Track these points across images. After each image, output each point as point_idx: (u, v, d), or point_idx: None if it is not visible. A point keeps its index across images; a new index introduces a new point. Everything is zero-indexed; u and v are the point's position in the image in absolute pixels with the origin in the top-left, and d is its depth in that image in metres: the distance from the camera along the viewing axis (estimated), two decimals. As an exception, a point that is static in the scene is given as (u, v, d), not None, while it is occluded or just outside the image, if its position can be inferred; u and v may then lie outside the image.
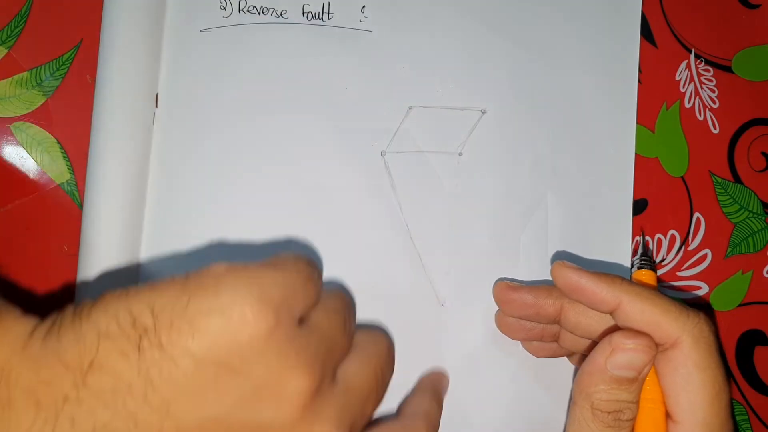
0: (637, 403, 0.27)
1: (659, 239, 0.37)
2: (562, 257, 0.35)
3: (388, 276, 0.33)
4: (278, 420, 0.21)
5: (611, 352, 0.26)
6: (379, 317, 0.33)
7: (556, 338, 0.32)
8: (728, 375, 0.28)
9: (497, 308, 0.33)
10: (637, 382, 0.26)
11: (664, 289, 0.36)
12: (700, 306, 0.36)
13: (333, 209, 0.33)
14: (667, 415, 0.27)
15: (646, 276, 0.30)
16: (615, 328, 0.28)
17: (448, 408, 0.33)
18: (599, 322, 0.29)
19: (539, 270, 0.35)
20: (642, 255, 0.31)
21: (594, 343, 0.29)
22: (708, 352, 0.26)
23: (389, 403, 0.33)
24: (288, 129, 0.33)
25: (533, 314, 0.31)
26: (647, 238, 0.33)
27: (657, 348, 0.26)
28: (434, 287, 0.34)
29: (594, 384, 0.27)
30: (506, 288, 0.32)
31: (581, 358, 0.33)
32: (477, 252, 0.34)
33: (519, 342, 0.34)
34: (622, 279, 0.28)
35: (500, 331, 0.33)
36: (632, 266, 0.32)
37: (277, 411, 0.21)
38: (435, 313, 0.34)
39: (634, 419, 0.27)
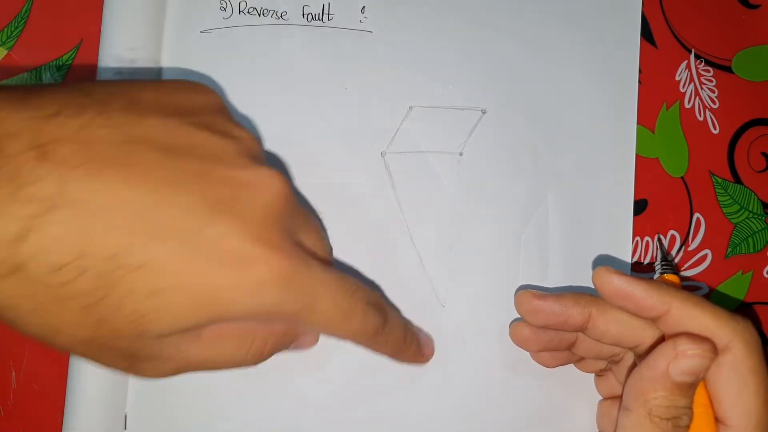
0: (692, 409, 0.26)
1: (659, 239, 0.37)
2: (562, 258, 0.35)
3: (388, 276, 0.33)
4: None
5: (675, 357, 0.26)
6: (379, 318, 0.33)
7: (570, 346, 0.32)
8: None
9: (513, 319, 0.32)
10: (694, 387, 0.26)
11: None
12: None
13: (333, 209, 0.33)
14: (717, 420, 0.27)
15: (671, 279, 0.30)
16: (661, 337, 0.28)
17: (448, 408, 0.33)
18: (632, 330, 0.29)
19: (539, 270, 0.35)
20: (663, 260, 0.31)
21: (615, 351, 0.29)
22: (759, 357, 0.26)
23: (388, 404, 0.33)
24: (288, 129, 0.33)
25: (560, 323, 0.30)
26: (663, 239, 0.33)
27: (717, 353, 0.26)
28: (434, 288, 0.34)
29: (654, 390, 0.26)
30: (532, 297, 0.30)
31: (593, 363, 0.33)
32: (477, 252, 0.34)
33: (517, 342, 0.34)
34: (668, 285, 0.28)
35: (515, 342, 0.32)
36: (654, 272, 0.33)
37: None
38: (435, 314, 0.34)
39: (689, 426, 0.26)
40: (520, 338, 0.31)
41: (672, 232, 0.37)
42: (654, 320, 0.28)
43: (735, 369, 0.26)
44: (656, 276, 0.31)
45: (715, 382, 0.27)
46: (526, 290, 0.31)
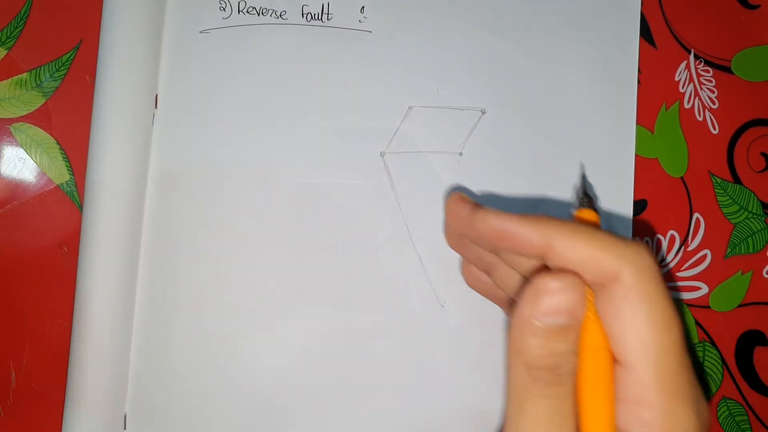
0: (576, 352, 0.23)
1: (659, 240, 0.37)
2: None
3: (388, 276, 0.33)
4: None
5: (535, 298, 0.22)
6: (379, 317, 0.33)
7: (489, 270, 0.29)
8: (679, 307, 0.24)
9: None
10: (572, 329, 0.22)
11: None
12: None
13: (333, 209, 0.33)
14: (615, 362, 0.23)
15: (587, 216, 0.26)
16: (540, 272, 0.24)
17: (448, 408, 0.33)
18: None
19: (539, 270, 0.35)
20: (582, 195, 0.27)
21: None
22: (652, 282, 0.22)
23: (388, 403, 0.33)
24: (288, 129, 0.33)
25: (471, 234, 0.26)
26: (587, 178, 0.29)
27: (586, 285, 0.23)
28: (434, 288, 0.34)
29: (524, 338, 0.22)
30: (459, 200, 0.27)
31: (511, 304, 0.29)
32: (477, 252, 0.34)
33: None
34: (552, 218, 0.24)
35: (448, 244, 0.30)
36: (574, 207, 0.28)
37: None
38: (435, 314, 0.34)
39: (575, 371, 0.23)
40: (452, 239, 0.29)
41: (672, 232, 0.37)
42: (542, 258, 0.24)
43: (626, 299, 0.22)
44: (572, 211, 0.27)
45: (608, 318, 0.23)
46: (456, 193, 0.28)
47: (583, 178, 0.28)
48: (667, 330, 0.22)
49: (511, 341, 0.23)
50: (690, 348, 0.22)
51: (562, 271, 0.23)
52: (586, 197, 0.27)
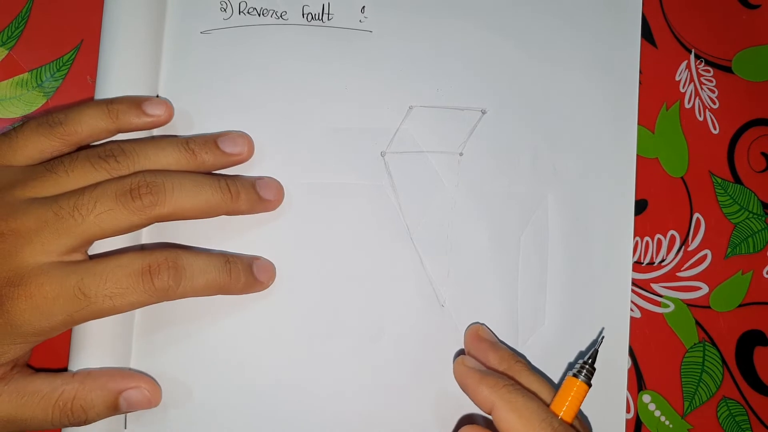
0: None
1: (659, 239, 0.37)
2: (562, 258, 0.35)
3: (389, 276, 0.33)
4: None
5: None
6: (379, 317, 0.33)
7: None
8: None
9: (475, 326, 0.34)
10: None
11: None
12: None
13: (333, 209, 0.33)
14: None
15: (577, 386, 0.30)
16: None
17: (448, 407, 0.33)
18: None
19: (539, 270, 0.35)
20: (585, 363, 0.30)
21: None
22: None
23: (387, 402, 0.33)
24: (288, 129, 0.33)
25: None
26: (599, 347, 0.32)
27: None
28: (434, 288, 0.34)
29: None
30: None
31: None
32: (477, 252, 0.34)
33: (518, 342, 0.34)
34: (510, 384, 0.29)
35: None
36: (573, 369, 0.31)
37: None
38: (435, 314, 0.34)
39: None
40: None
41: (672, 232, 0.37)
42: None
43: None
44: (570, 373, 0.30)
45: None
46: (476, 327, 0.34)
47: (596, 351, 0.31)
48: None
49: None
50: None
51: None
52: (587, 369, 0.30)
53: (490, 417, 0.29)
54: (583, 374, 0.30)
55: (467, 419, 0.33)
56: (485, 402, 0.29)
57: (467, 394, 0.30)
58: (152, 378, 0.31)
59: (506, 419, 0.28)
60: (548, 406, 0.29)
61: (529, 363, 0.32)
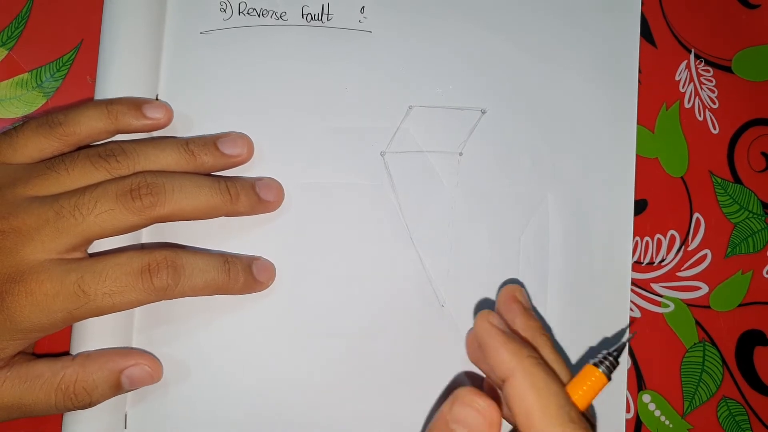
0: None
1: (659, 239, 0.37)
2: (562, 258, 0.35)
3: (388, 276, 0.33)
4: None
5: (452, 402, 0.26)
6: (379, 317, 0.33)
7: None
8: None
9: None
10: None
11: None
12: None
13: (333, 209, 0.33)
14: None
15: (595, 377, 0.27)
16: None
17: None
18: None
19: (539, 270, 0.35)
20: (609, 354, 0.28)
21: None
22: None
23: (386, 402, 0.33)
24: (288, 129, 0.33)
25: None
26: (629, 341, 0.29)
27: (499, 423, 0.26)
28: (434, 287, 0.34)
29: (433, 429, 0.26)
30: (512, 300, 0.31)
31: None
32: (477, 252, 0.34)
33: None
34: (534, 357, 0.27)
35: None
36: (594, 359, 0.28)
37: None
38: (435, 314, 0.34)
39: None
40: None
41: (672, 231, 0.37)
42: (502, 387, 0.27)
43: None
44: (591, 361, 0.28)
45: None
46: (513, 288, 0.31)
47: (624, 344, 0.28)
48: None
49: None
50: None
51: (484, 394, 0.26)
52: (609, 361, 0.28)
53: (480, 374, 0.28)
54: (604, 365, 0.28)
55: (458, 382, 0.32)
56: (503, 367, 0.26)
57: (483, 353, 0.28)
58: (152, 354, 0.31)
59: (523, 394, 0.26)
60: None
61: (554, 339, 0.30)
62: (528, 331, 0.29)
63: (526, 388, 0.25)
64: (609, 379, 0.27)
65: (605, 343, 0.34)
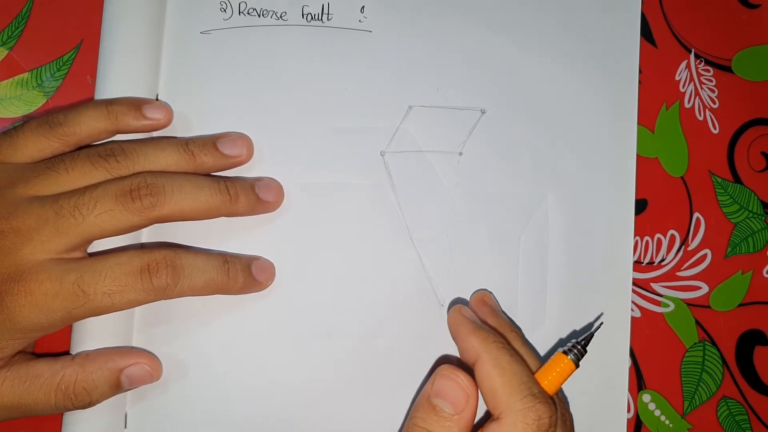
0: None
1: (659, 239, 0.37)
2: (562, 258, 0.35)
3: (388, 276, 0.33)
4: None
5: (434, 377, 0.28)
6: (379, 317, 0.33)
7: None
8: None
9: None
10: (452, 422, 0.27)
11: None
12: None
13: (333, 209, 0.33)
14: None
15: (564, 363, 0.29)
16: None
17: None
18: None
19: (539, 270, 0.35)
20: (578, 342, 0.30)
21: None
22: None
23: (386, 402, 0.33)
24: (288, 129, 0.33)
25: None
26: (597, 328, 0.31)
27: (476, 395, 0.28)
28: (434, 287, 0.34)
29: (416, 408, 0.28)
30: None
31: None
32: (477, 252, 0.34)
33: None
34: (500, 342, 0.29)
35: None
36: (564, 347, 0.30)
37: None
38: (435, 314, 0.34)
39: None
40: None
41: (672, 231, 0.37)
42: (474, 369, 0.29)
43: None
44: (561, 349, 0.29)
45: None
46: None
47: (591, 335, 0.30)
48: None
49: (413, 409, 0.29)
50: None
51: (461, 369, 0.28)
52: (577, 349, 0.29)
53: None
54: (573, 353, 0.29)
55: (444, 360, 0.33)
56: (471, 352, 0.29)
57: (455, 341, 0.31)
58: (151, 353, 0.31)
59: (488, 374, 0.28)
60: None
61: (524, 337, 0.32)
62: (499, 328, 0.31)
63: (491, 368, 0.28)
64: (577, 366, 0.29)
65: (605, 343, 0.34)
